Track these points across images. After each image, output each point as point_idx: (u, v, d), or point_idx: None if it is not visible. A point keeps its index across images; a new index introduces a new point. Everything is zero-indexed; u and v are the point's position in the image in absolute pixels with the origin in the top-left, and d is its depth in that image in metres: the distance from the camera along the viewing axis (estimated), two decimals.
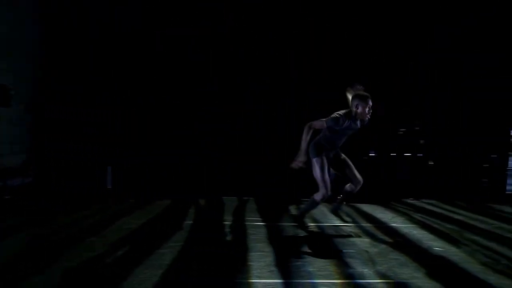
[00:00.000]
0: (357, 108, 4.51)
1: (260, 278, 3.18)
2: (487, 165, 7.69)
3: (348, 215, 5.79)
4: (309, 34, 7.77)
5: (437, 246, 4.23)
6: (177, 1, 7.45)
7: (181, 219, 5.28)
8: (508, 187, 7.93)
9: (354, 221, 5.41)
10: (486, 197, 7.44)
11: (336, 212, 5.21)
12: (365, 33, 7.64)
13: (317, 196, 4.64)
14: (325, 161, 4.63)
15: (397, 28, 7.62)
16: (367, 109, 4.50)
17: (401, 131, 7.76)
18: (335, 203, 5.11)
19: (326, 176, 4.60)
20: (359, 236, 4.58)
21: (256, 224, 5.10)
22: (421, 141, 7.60)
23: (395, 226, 5.19)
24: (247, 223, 5.17)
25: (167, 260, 3.61)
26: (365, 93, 4.56)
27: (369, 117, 4.59)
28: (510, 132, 7.72)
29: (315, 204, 4.76)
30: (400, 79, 7.62)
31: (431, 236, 4.66)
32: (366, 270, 3.38)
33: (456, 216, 5.96)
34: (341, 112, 4.53)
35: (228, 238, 4.48)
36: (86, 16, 7.27)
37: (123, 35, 7.30)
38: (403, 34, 7.61)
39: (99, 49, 7.30)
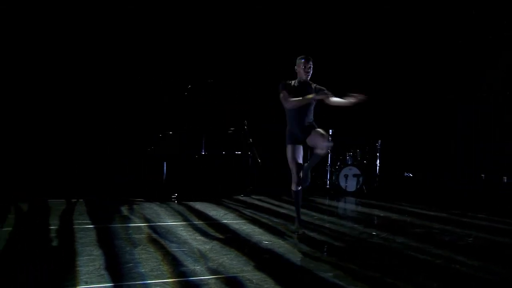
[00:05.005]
0: (297, 69, 4.63)
1: (89, 283, 2.99)
2: None
3: (180, 214, 5.83)
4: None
5: (265, 239, 4.46)
6: None
7: None
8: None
9: (186, 219, 5.45)
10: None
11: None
12: None
13: (292, 186, 4.66)
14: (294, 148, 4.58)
15: None
16: (302, 67, 4.54)
17: (231, 130, 7.98)
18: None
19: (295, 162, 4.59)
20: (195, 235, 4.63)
21: (85, 227, 4.82)
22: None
23: (226, 222, 5.36)
24: (75, 226, 4.86)
25: None
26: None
27: (308, 75, 4.56)
28: None
29: (293, 194, 4.69)
30: None
31: (259, 230, 4.90)
32: (198, 267, 3.41)
33: (282, 210, 6.38)
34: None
35: (54, 243, 4.14)
36: None
37: None
38: None
39: None
